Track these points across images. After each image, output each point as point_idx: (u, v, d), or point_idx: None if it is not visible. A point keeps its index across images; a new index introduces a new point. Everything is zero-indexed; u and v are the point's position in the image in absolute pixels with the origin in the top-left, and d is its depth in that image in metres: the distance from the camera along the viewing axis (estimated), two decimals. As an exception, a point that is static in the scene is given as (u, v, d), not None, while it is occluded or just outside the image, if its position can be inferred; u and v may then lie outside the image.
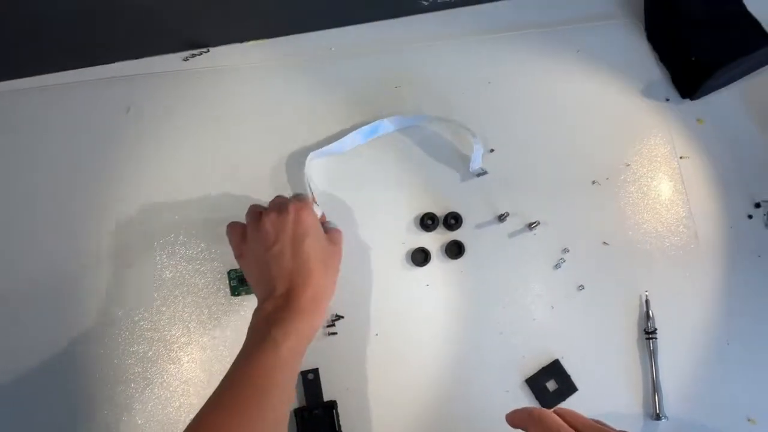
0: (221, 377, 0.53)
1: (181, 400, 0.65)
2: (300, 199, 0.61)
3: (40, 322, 0.66)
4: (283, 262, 0.57)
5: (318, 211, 0.63)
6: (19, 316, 0.66)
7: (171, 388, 0.65)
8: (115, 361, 0.65)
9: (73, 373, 0.65)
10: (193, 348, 0.66)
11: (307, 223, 0.58)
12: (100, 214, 0.69)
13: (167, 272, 0.68)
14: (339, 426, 0.64)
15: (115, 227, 0.69)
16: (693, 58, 0.71)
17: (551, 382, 0.67)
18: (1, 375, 0.65)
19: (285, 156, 0.71)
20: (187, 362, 0.66)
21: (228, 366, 0.53)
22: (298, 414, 0.63)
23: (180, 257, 0.68)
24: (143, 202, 0.69)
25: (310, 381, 0.65)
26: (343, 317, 0.67)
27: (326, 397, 0.65)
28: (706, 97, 0.75)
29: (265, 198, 0.69)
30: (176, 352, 0.66)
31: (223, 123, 0.72)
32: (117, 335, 0.66)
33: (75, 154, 0.70)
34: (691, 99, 0.74)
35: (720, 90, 0.75)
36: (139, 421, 0.64)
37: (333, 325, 0.67)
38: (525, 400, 0.66)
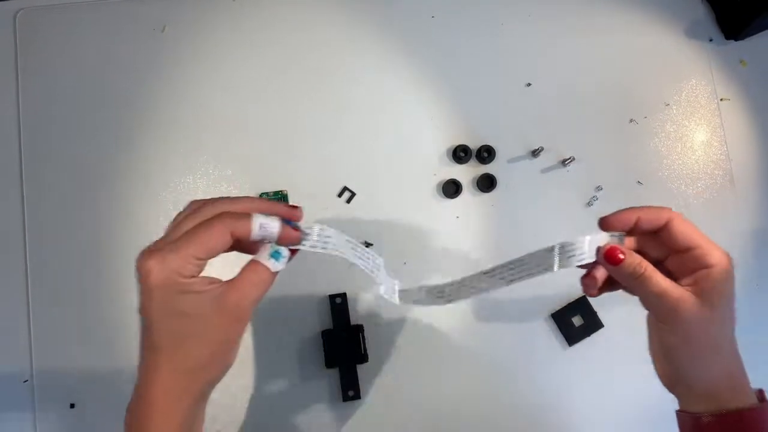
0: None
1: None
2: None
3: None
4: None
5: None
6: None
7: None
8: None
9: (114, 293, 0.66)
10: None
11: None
12: (133, 133, 0.69)
13: (200, 194, 0.68)
14: (365, 349, 0.64)
15: (147, 146, 0.69)
16: (740, -1, 0.69)
17: (577, 317, 0.67)
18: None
19: (320, 79, 0.71)
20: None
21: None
22: (325, 335, 0.64)
23: (213, 179, 0.68)
24: (176, 122, 0.69)
25: (338, 304, 0.66)
26: (372, 244, 0.67)
27: (353, 322, 0.66)
28: (750, 38, 0.73)
29: (294, 124, 0.69)
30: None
31: (259, 46, 0.71)
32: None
33: (109, 72, 0.70)
34: (736, 39, 0.72)
35: (765, 32, 0.73)
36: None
37: (362, 251, 0.67)
38: (550, 333, 0.67)
